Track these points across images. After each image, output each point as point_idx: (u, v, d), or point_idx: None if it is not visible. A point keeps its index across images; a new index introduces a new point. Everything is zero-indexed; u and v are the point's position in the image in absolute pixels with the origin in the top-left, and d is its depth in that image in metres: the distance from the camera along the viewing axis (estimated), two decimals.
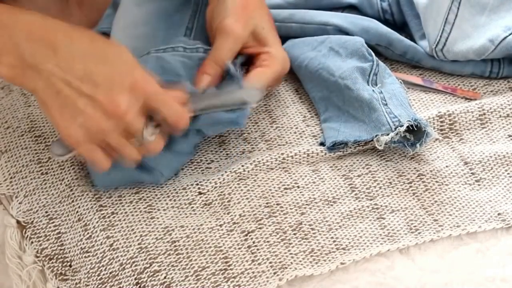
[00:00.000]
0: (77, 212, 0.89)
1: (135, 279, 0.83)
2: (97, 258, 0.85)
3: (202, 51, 0.94)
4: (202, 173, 0.93)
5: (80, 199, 0.90)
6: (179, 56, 0.93)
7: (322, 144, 0.96)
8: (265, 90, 0.94)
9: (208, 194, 0.89)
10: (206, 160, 0.94)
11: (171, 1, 1.04)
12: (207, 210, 0.88)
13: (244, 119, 0.91)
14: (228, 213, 0.88)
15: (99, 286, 0.84)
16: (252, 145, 0.96)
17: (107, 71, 0.81)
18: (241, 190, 0.90)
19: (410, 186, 0.91)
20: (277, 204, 0.89)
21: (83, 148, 0.83)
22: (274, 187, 0.90)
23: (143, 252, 0.84)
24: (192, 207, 0.89)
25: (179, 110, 0.85)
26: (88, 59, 0.81)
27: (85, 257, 0.86)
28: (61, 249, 0.87)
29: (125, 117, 0.81)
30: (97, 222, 0.87)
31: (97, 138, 0.82)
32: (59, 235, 0.88)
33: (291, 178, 0.91)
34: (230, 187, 0.90)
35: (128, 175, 0.89)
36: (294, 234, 0.86)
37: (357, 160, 0.94)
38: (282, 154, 0.93)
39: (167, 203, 0.89)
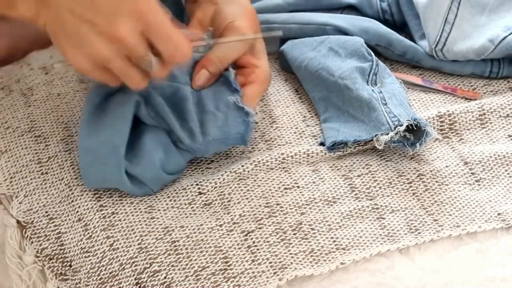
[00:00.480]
0: (77, 212, 0.89)
1: (135, 279, 0.83)
2: (97, 258, 0.85)
3: (202, 50, 0.94)
4: (202, 173, 0.93)
5: (80, 199, 0.90)
6: None
7: (322, 144, 0.96)
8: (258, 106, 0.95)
9: (208, 194, 0.89)
10: (206, 160, 0.94)
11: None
12: (207, 210, 0.88)
13: (248, 137, 0.91)
14: (228, 213, 0.88)
15: (99, 286, 0.84)
16: (252, 145, 0.96)
17: None
18: (241, 190, 0.90)
19: (410, 186, 0.91)
20: (277, 204, 0.89)
21: (92, 74, 0.83)
22: (274, 187, 0.90)
23: (143, 252, 0.84)
24: (192, 207, 0.89)
25: (178, 45, 0.84)
26: None
27: (85, 257, 0.86)
28: (61, 249, 0.87)
29: (124, 41, 0.81)
30: (97, 222, 0.87)
31: (102, 65, 0.83)
32: (59, 235, 0.88)
33: (291, 178, 0.91)
34: (230, 187, 0.90)
35: (119, 184, 0.89)
36: (294, 234, 0.86)
37: (357, 160, 0.94)
38: (282, 154, 0.93)
39: (167, 203, 0.89)
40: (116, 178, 0.88)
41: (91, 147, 0.87)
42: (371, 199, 0.90)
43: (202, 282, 0.82)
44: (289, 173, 0.92)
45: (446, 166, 0.93)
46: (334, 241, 0.86)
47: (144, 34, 0.82)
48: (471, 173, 0.93)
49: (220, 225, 0.87)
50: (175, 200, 0.89)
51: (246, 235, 0.86)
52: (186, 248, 0.84)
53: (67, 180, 0.92)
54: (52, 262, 0.87)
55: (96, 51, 0.81)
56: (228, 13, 0.94)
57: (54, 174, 0.93)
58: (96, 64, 0.82)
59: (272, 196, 0.89)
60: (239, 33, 0.93)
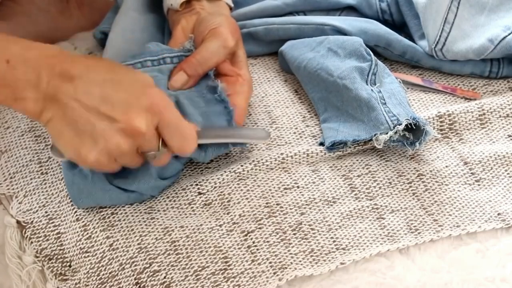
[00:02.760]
0: (76, 212, 0.89)
1: (135, 279, 0.83)
2: (97, 258, 0.85)
3: (169, 61, 0.94)
4: (202, 173, 0.93)
5: None
6: (150, 71, 0.94)
7: (321, 144, 0.96)
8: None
9: (208, 194, 0.89)
10: None
11: None
12: (207, 210, 0.88)
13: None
14: (227, 213, 0.88)
15: (98, 286, 0.84)
16: (251, 145, 0.96)
17: (124, 93, 0.82)
18: (241, 190, 0.90)
19: (410, 186, 0.91)
20: (277, 204, 0.89)
21: (105, 168, 0.84)
22: (274, 187, 0.90)
23: (142, 252, 0.84)
24: (192, 207, 0.89)
25: (187, 139, 0.85)
26: (105, 84, 0.82)
27: (84, 257, 0.86)
28: (60, 249, 0.87)
29: (144, 136, 0.82)
30: (96, 223, 0.87)
31: (117, 159, 0.83)
32: (59, 235, 0.88)
33: (290, 178, 0.91)
34: (230, 187, 0.90)
35: (117, 198, 0.89)
36: (294, 234, 0.86)
37: (357, 160, 0.94)
38: (282, 154, 0.93)
39: (166, 204, 0.89)
40: (107, 201, 0.88)
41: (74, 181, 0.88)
42: (371, 199, 0.90)
43: (202, 282, 0.82)
44: (289, 173, 0.92)
45: (446, 166, 0.93)
46: (334, 241, 0.85)
47: (158, 128, 0.83)
48: (471, 173, 0.93)
49: (220, 225, 0.86)
50: (174, 201, 0.89)
51: (246, 235, 0.86)
52: (186, 248, 0.84)
53: None
54: (52, 262, 0.87)
55: (115, 146, 0.81)
56: (212, 21, 0.96)
57: (54, 174, 0.93)
58: (112, 158, 0.83)
59: (272, 196, 0.89)
60: (222, 38, 0.95)
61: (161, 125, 0.83)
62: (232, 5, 1.03)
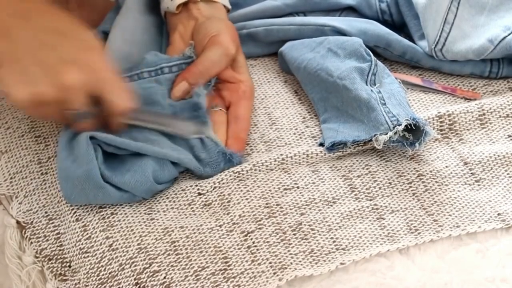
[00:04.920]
0: (76, 212, 0.89)
1: (135, 279, 0.83)
2: (97, 258, 0.85)
3: (167, 71, 0.95)
4: None
5: None
6: (147, 82, 0.94)
7: (321, 144, 0.96)
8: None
9: (208, 195, 0.89)
10: None
11: None
12: (207, 211, 0.88)
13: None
14: (227, 214, 0.88)
15: (98, 287, 0.84)
16: (251, 146, 0.96)
17: (66, 47, 0.85)
18: (241, 190, 0.90)
19: (410, 187, 0.91)
20: (277, 205, 0.89)
21: (27, 111, 0.88)
22: (274, 188, 0.90)
23: (142, 252, 0.84)
24: (192, 207, 0.89)
25: (124, 99, 0.87)
26: (52, 33, 0.85)
27: (84, 257, 0.86)
28: (60, 250, 0.87)
29: (70, 91, 0.83)
30: (96, 223, 0.87)
31: (41, 105, 0.84)
32: (59, 235, 0.88)
33: (290, 179, 0.91)
34: (230, 188, 0.90)
35: (109, 196, 0.89)
36: (294, 234, 0.86)
37: (357, 161, 0.94)
38: (282, 154, 0.93)
39: (166, 204, 0.89)
40: (99, 198, 0.88)
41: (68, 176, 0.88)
42: (371, 200, 0.90)
43: (202, 282, 0.82)
44: (288, 173, 0.92)
45: (446, 167, 0.93)
46: (334, 241, 0.85)
47: (91, 86, 0.85)
48: (471, 173, 0.93)
49: (220, 226, 0.86)
50: (174, 201, 0.89)
51: (246, 235, 0.86)
52: (186, 248, 0.84)
53: None
54: (52, 263, 0.87)
55: (40, 93, 0.83)
56: (211, 28, 0.96)
57: (54, 174, 0.93)
58: (36, 103, 0.84)
59: (272, 196, 0.89)
60: (223, 46, 0.95)
61: (97, 83, 0.85)
62: (229, 6, 1.03)
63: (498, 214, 0.89)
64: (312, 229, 0.86)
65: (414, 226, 0.87)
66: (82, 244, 0.86)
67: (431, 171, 0.92)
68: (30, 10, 0.85)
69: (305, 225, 0.87)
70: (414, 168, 0.93)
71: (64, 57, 0.84)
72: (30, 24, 0.84)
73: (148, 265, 0.83)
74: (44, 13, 0.86)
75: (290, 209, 0.88)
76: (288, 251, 0.84)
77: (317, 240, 0.85)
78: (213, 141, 0.92)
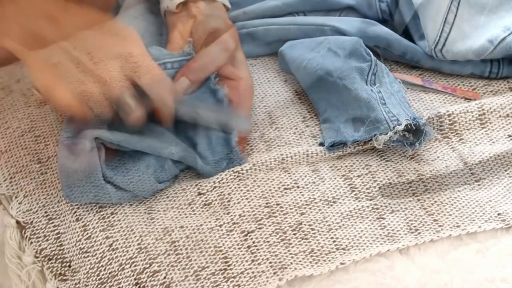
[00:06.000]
0: (76, 212, 0.89)
1: (135, 279, 0.83)
2: (97, 258, 0.85)
3: (170, 67, 0.95)
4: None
5: None
6: None
7: (321, 144, 0.96)
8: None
9: (208, 195, 0.89)
10: None
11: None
12: (207, 211, 0.88)
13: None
14: (227, 213, 0.88)
15: (98, 286, 0.84)
16: (251, 145, 0.96)
17: (102, 42, 0.85)
18: (241, 190, 0.90)
19: (410, 187, 0.91)
20: (277, 204, 0.88)
21: (76, 113, 0.86)
22: (274, 187, 0.90)
23: (142, 252, 0.84)
24: (192, 207, 0.89)
25: (165, 95, 0.87)
26: (91, 33, 0.86)
27: (84, 257, 0.86)
28: (60, 249, 0.87)
29: (111, 83, 0.84)
30: (96, 223, 0.87)
31: (88, 104, 0.85)
32: (59, 235, 0.88)
33: (291, 178, 0.91)
34: (230, 187, 0.90)
35: (109, 195, 0.89)
36: (294, 234, 0.86)
37: (357, 160, 0.94)
38: (282, 154, 0.93)
39: (166, 204, 0.89)
40: (99, 197, 0.88)
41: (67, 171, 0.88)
42: (371, 199, 0.90)
43: (202, 282, 0.82)
44: (289, 173, 0.92)
45: (446, 166, 0.93)
46: (334, 241, 0.85)
47: (129, 76, 0.85)
48: (471, 173, 0.93)
49: (220, 225, 0.86)
50: (174, 201, 0.89)
51: (246, 235, 0.86)
52: (186, 248, 0.84)
53: None
54: (52, 263, 0.87)
55: (84, 89, 0.84)
56: (210, 24, 0.97)
57: (53, 174, 0.92)
58: (83, 102, 0.85)
59: (272, 196, 0.89)
60: (222, 41, 0.95)
61: (137, 74, 0.85)
62: (229, 6, 1.03)
63: (498, 214, 0.89)
64: (312, 229, 0.86)
65: (414, 226, 0.87)
66: (82, 244, 0.86)
67: (431, 171, 0.92)
68: (56, 11, 0.86)
69: (305, 224, 0.87)
70: (414, 168, 0.93)
71: (101, 52, 0.84)
72: (61, 27, 0.85)
73: (148, 265, 0.83)
74: (72, 12, 0.86)
75: (290, 208, 0.88)
76: (288, 251, 0.84)
77: (317, 240, 0.85)
78: (232, 141, 0.92)
